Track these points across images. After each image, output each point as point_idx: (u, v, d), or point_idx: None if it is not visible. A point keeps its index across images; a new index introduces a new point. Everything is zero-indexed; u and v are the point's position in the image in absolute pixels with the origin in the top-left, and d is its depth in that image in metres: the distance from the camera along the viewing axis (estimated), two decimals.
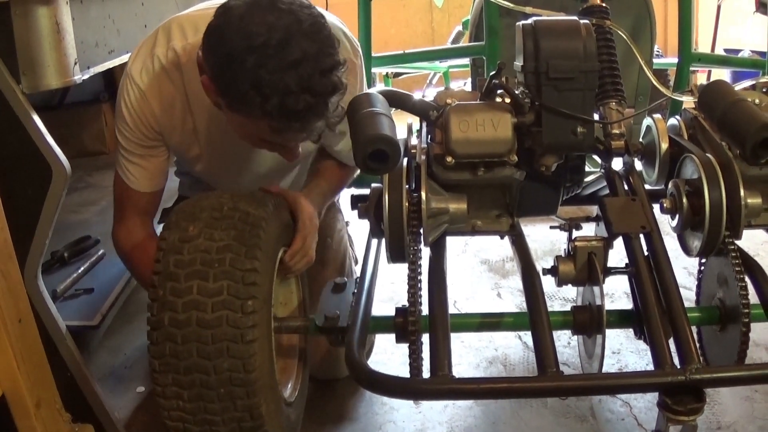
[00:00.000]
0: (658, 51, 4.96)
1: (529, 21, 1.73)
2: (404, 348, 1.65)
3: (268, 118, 1.69)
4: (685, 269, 2.96)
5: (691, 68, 3.05)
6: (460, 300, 3.11)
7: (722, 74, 5.84)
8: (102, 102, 4.77)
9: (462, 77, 5.14)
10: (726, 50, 5.92)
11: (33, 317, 2.05)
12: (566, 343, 2.66)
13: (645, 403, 2.34)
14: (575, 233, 1.84)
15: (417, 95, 1.88)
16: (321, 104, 1.68)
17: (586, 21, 1.76)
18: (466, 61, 4.23)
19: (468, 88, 3.83)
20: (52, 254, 2.93)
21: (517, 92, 1.73)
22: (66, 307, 2.59)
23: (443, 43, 5.45)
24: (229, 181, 2.32)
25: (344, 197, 2.54)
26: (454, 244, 1.83)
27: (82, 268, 2.90)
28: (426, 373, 1.57)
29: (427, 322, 1.63)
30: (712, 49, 6.10)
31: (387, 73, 5.01)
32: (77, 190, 3.81)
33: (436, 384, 1.48)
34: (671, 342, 1.59)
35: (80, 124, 4.69)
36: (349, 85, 1.87)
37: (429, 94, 5.51)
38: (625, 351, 2.66)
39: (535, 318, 1.63)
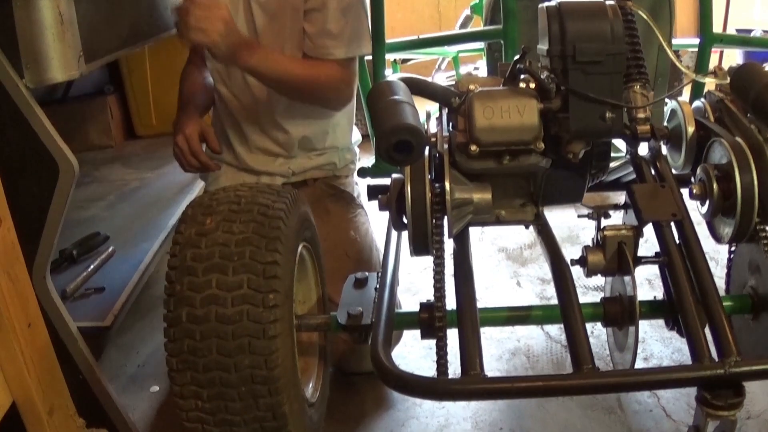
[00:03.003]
0: None
1: (553, 3, 1.66)
2: (423, 341, 1.59)
3: None
4: (706, 253, 2.91)
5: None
6: (480, 290, 3.05)
7: (734, 56, 5.80)
8: (107, 94, 4.72)
9: (471, 62, 5.09)
10: (738, 30, 5.87)
11: (43, 321, 2.02)
12: (589, 333, 2.60)
13: (673, 393, 2.31)
14: (603, 222, 1.79)
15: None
16: None
17: (612, 2, 1.70)
18: (475, 45, 4.18)
19: (480, 73, 3.78)
20: (60, 252, 2.87)
21: (542, 77, 1.66)
22: (76, 307, 2.53)
23: (450, 28, 5.40)
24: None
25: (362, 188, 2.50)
26: (470, 231, 1.79)
27: (92, 266, 2.84)
28: (452, 371, 1.51)
29: (453, 318, 1.57)
30: (724, 29, 6.06)
31: (395, 59, 4.95)
32: (84, 185, 3.77)
33: (469, 384, 1.42)
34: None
35: (85, 118, 4.64)
36: None
37: (438, 79, 5.47)
38: (650, 340, 2.62)
39: (567, 311, 1.57)
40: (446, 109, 1.86)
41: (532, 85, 1.68)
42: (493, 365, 2.55)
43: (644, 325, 2.65)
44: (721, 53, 5.92)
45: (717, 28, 6.14)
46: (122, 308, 2.56)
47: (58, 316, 2.09)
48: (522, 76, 1.70)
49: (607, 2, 1.68)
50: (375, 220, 2.62)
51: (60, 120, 2.22)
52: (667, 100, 2.10)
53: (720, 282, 2.02)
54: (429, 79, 1.84)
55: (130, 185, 3.87)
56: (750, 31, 5.68)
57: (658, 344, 2.58)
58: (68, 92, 4.64)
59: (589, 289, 2.93)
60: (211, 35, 2.09)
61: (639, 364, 2.47)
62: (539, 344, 2.66)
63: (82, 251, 2.96)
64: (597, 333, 2.56)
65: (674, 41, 3.26)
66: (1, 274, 1.84)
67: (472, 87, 1.72)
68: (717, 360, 1.44)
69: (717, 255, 2.86)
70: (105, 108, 4.69)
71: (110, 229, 3.17)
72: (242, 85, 2.48)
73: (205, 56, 2.60)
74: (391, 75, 1.86)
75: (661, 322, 1.82)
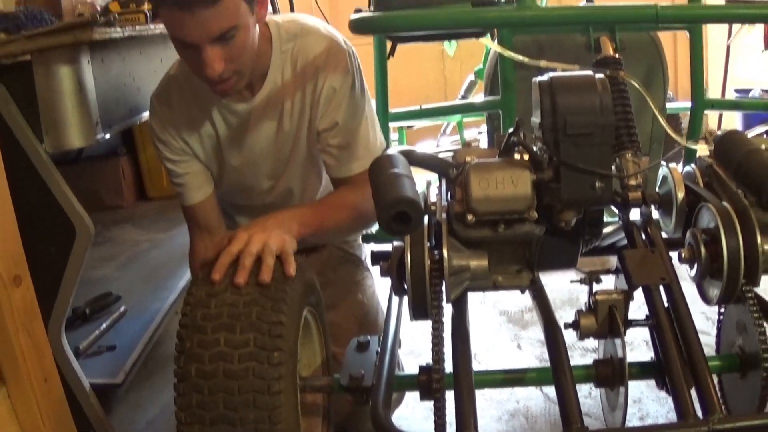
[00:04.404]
0: (669, 95, 4.98)
1: (546, 77, 1.74)
2: (425, 403, 1.65)
3: (158, 4, 1.95)
4: (703, 314, 2.96)
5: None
6: (481, 352, 3.11)
7: (733, 116, 5.86)
8: (120, 156, 4.83)
9: (476, 126, 5.17)
10: (736, 90, 5.95)
11: (58, 376, 2.07)
12: (587, 394, 2.65)
13: None
14: (595, 287, 1.85)
15: (431, 144, 1.90)
16: None
17: (601, 75, 1.77)
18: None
19: (483, 137, 3.85)
20: (73, 310, 2.93)
21: (535, 149, 1.74)
22: (89, 364, 2.59)
23: (456, 91, 5.48)
24: (255, 196, 2.45)
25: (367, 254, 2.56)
26: (472, 295, 1.85)
27: (104, 325, 2.91)
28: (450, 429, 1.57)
29: (452, 380, 1.64)
30: (723, 90, 6.13)
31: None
32: (96, 244, 3.80)
33: None
34: (693, 392, 1.60)
35: (98, 178, 4.73)
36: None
37: (443, 143, 5.53)
38: (646, 399, 2.66)
39: (558, 373, 1.63)
40: (445, 180, 1.93)
41: (526, 157, 1.75)
42: (492, 426, 2.59)
43: (640, 386, 2.70)
44: (720, 115, 5.98)
45: (716, 86, 6.24)
46: (133, 366, 2.62)
47: (72, 372, 2.15)
48: (516, 148, 1.78)
49: (597, 76, 1.75)
50: (378, 282, 2.68)
51: (73, 180, 2.28)
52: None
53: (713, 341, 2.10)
54: (435, 142, 1.90)
55: (141, 246, 3.94)
56: (749, 91, 5.75)
57: (654, 404, 2.63)
58: (82, 153, 4.72)
59: (588, 350, 2.98)
60: (287, 243, 1.87)
61: (636, 423, 2.52)
62: (538, 405, 2.70)
63: (94, 310, 3.03)
64: (594, 394, 2.61)
65: (668, 105, 3.33)
66: (20, 330, 1.91)
67: (468, 159, 1.79)
68: (702, 418, 1.50)
69: (714, 315, 2.91)
70: (117, 169, 4.79)
71: (122, 288, 3.24)
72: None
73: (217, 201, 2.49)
74: (391, 148, 1.92)
75: None
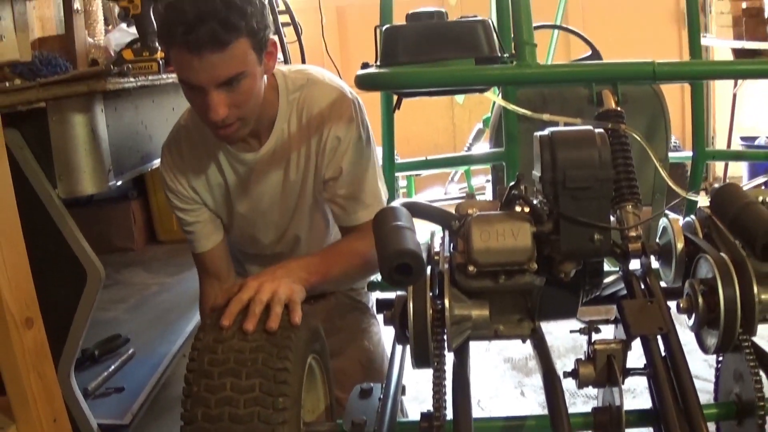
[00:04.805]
0: (675, 142, 5.00)
1: (546, 132, 1.78)
2: None
3: (168, 45, 2.00)
4: (705, 361, 2.97)
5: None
6: (484, 399, 3.12)
7: (739, 164, 5.86)
8: (131, 199, 4.88)
9: (483, 173, 5.20)
10: (742, 138, 5.96)
11: (67, 416, 2.10)
12: None
13: None
14: (595, 336, 1.88)
15: (439, 191, 1.93)
16: (202, 26, 1.90)
17: (601, 130, 1.81)
18: None
19: (490, 186, 3.88)
20: (82, 352, 2.95)
21: (535, 201, 1.78)
22: (97, 405, 2.63)
23: (464, 139, 5.53)
24: (263, 246, 2.47)
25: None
26: (477, 342, 1.87)
27: (112, 367, 2.95)
28: None
29: (452, 427, 1.66)
30: (729, 138, 6.14)
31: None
32: (106, 287, 3.83)
33: None
34: None
35: (109, 221, 4.78)
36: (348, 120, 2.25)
37: (451, 190, 5.53)
38: None
39: (556, 421, 1.66)
40: (447, 231, 1.96)
41: (527, 209, 1.79)
42: None
43: None
44: (726, 164, 5.99)
45: (723, 134, 6.25)
46: (140, 408, 2.65)
47: (80, 413, 2.18)
48: (517, 200, 1.82)
49: (597, 130, 1.79)
50: (384, 330, 2.69)
51: (84, 222, 2.32)
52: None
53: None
54: (443, 190, 1.92)
55: (151, 289, 3.98)
56: (755, 138, 5.77)
57: None
58: (93, 195, 4.76)
59: (590, 398, 2.99)
60: (296, 292, 1.92)
61: None
62: None
63: (103, 351, 3.08)
64: None
65: (671, 154, 3.36)
66: (31, 371, 1.94)
67: (470, 211, 1.83)
68: None
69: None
70: (128, 213, 4.84)
71: (130, 331, 3.28)
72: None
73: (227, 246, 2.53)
74: (395, 201, 1.95)
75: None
